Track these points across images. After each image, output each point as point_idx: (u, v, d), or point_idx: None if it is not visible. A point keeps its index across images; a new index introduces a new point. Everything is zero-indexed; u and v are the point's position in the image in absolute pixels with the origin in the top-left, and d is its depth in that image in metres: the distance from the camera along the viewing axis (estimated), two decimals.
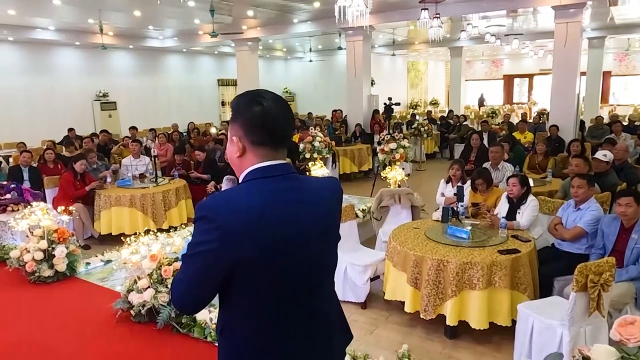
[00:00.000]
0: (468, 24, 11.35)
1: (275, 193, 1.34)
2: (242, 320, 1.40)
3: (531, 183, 4.81)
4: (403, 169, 6.97)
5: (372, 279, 4.16)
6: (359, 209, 5.63)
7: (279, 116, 1.37)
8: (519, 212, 4.26)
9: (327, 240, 1.47)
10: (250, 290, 1.34)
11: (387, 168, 6.69)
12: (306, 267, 1.39)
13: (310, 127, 9.19)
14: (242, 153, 1.38)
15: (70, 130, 10.57)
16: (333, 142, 8.93)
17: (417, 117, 14.66)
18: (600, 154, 5.36)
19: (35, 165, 7.11)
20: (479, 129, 11.35)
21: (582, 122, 10.97)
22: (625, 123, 11.54)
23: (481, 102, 22.49)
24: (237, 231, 1.26)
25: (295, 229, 1.34)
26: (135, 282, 3.26)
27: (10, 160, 9.01)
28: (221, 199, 1.33)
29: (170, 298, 1.44)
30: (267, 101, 1.36)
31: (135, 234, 3.46)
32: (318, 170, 6.81)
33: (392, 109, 9.17)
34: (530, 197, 4.30)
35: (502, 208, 4.40)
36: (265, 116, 1.35)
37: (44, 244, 4.00)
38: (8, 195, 5.55)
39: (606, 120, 11.63)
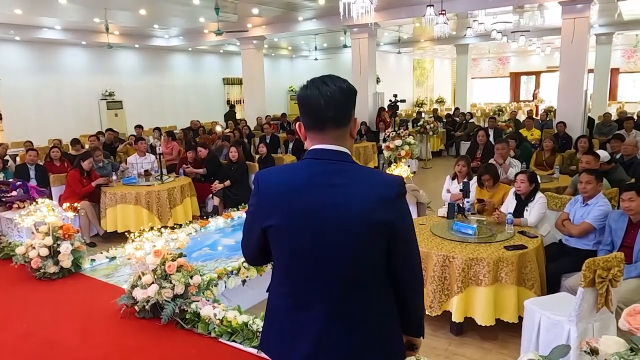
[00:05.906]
0: (474, 20, 11.26)
1: (313, 175, 1.36)
2: (272, 285, 1.53)
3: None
4: (409, 166, 6.92)
5: None
6: None
7: (318, 99, 1.34)
8: (526, 210, 4.21)
9: (354, 239, 1.33)
10: (275, 259, 1.46)
11: (392, 165, 6.65)
12: (327, 252, 1.34)
13: None
14: (305, 138, 1.44)
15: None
16: None
17: (423, 114, 14.59)
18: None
19: (41, 163, 7.15)
20: (486, 126, 11.27)
21: (591, 119, 10.87)
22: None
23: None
24: (266, 200, 1.40)
25: (316, 214, 1.34)
26: (140, 278, 3.25)
27: (18, 158, 9.06)
28: (267, 171, 1.46)
29: None
30: (312, 85, 1.36)
31: (141, 230, 3.45)
32: None
33: (398, 106, 9.13)
34: (539, 195, 4.25)
35: (510, 204, 4.36)
36: (304, 100, 1.37)
37: (49, 241, 4.01)
38: (14, 193, 5.56)
39: (614, 117, 11.52)
